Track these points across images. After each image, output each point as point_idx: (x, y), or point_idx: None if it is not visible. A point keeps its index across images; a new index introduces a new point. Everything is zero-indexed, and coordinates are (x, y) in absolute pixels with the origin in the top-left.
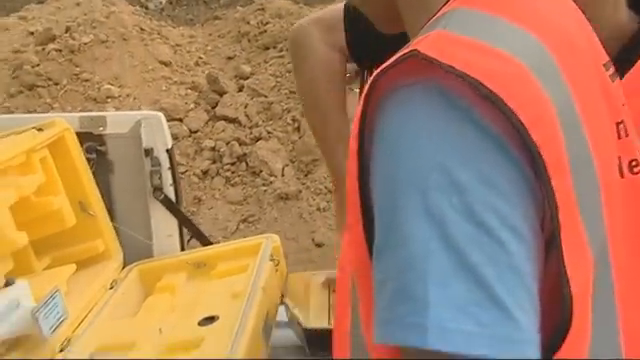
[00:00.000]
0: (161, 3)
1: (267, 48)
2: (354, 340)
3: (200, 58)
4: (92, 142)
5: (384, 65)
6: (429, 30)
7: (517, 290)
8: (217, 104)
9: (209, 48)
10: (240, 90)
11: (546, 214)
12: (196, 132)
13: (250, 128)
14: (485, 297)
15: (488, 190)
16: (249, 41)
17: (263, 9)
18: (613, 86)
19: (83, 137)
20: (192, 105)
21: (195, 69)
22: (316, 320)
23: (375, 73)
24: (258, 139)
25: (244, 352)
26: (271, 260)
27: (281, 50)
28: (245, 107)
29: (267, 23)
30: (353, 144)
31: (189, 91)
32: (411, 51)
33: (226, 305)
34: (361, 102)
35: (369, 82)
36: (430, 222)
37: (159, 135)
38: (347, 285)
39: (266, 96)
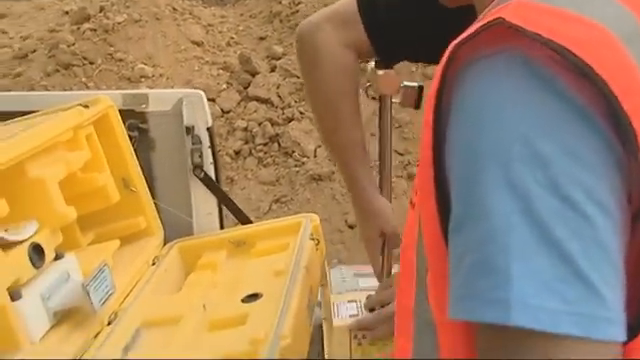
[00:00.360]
0: None
1: None
2: (419, 316)
3: (232, 38)
4: (134, 119)
5: (463, 36)
6: (504, 1)
7: (603, 266)
8: (249, 84)
9: (240, 28)
10: (272, 70)
11: (634, 187)
12: (228, 112)
13: (282, 109)
14: (570, 272)
15: (573, 162)
16: (281, 21)
17: None
18: None
19: (125, 114)
20: (224, 85)
21: (227, 49)
22: None
23: (453, 44)
24: (290, 120)
25: (290, 329)
26: (311, 239)
27: None
28: (277, 88)
29: (299, 3)
30: (428, 116)
31: (221, 71)
32: (496, 19)
33: (269, 283)
34: (439, 73)
35: (447, 54)
36: (512, 195)
37: (200, 113)
38: (411, 260)
39: (298, 77)
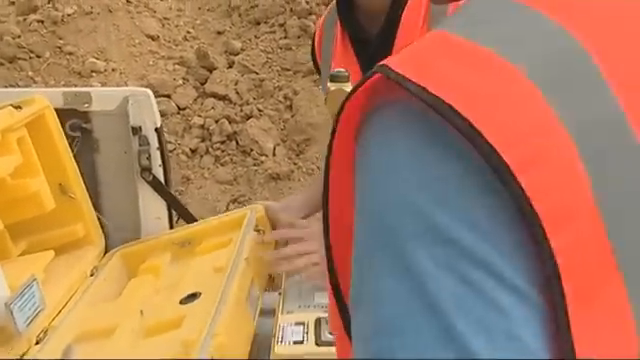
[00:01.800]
0: None
1: (258, 23)
2: None
3: (189, 32)
4: (76, 119)
5: (356, 84)
6: (443, 22)
7: None
8: (206, 80)
9: (198, 22)
10: (230, 66)
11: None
12: (184, 109)
13: (240, 106)
14: None
15: (475, 236)
16: (239, 15)
17: None
18: None
19: (67, 114)
20: (180, 81)
21: (183, 44)
22: None
23: (349, 93)
24: (249, 117)
25: (225, 325)
26: (256, 230)
27: (272, 25)
28: (235, 84)
29: None
30: (323, 165)
31: (177, 66)
32: (379, 67)
33: (209, 281)
34: (333, 125)
35: (341, 104)
36: (406, 278)
37: (147, 113)
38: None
39: (257, 73)
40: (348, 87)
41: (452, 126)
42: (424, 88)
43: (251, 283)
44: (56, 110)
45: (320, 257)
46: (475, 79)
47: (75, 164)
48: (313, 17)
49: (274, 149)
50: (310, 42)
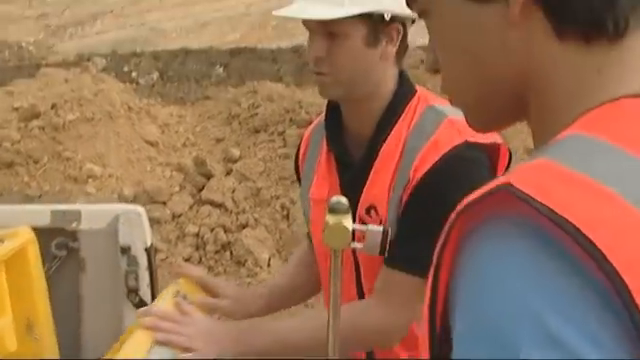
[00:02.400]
0: (152, 79)
1: (257, 131)
2: None
3: (188, 139)
4: (63, 238)
5: (471, 198)
6: (535, 156)
7: None
8: (203, 187)
9: (198, 129)
10: (228, 174)
11: None
12: (179, 216)
13: (237, 214)
14: None
15: (596, 351)
16: (239, 123)
17: (255, 91)
18: None
19: (54, 232)
20: (177, 188)
21: (182, 150)
22: None
23: (460, 206)
24: (244, 226)
25: None
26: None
27: (272, 134)
28: (232, 192)
29: (258, 106)
30: (431, 280)
31: (174, 173)
32: (504, 184)
33: None
34: (442, 236)
35: (453, 215)
36: None
37: (138, 232)
38: None
39: (254, 181)
40: (348, 220)
41: (576, 244)
42: (551, 209)
43: None
44: (42, 229)
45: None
46: (592, 205)
47: (48, 302)
48: None
49: (269, 260)
50: None
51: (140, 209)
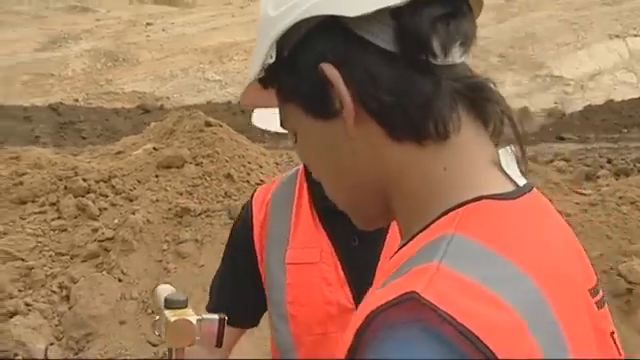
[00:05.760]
0: None
1: (24, 202)
2: None
3: None
4: None
5: (380, 304)
6: (425, 256)
7: None
8: None
9: None
10: None
11: None
12: None
13: (1, 300)
14: None
15: None
16: (0, 194)
17: (17, 157)
18: (598, 314)
19: None
20: None
21: None
22: None
23: (371, 311)
24: (13, 314)
25: None
26: None
27: (42, 205)
28: None
29: (24, 174)
30: None
31: None
32: (410, 294)
33: None
34: (351, 336)
35: (363, 319)
36: None
37: None
38: None
39: (24, 260)
40: (190, 314)
41: (473, 347)
42: (452, 317)
43: None
44: None
45: None
46: (483, 312)
47: None
48: (92, 195)
49: (46, 351)
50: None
51: None
